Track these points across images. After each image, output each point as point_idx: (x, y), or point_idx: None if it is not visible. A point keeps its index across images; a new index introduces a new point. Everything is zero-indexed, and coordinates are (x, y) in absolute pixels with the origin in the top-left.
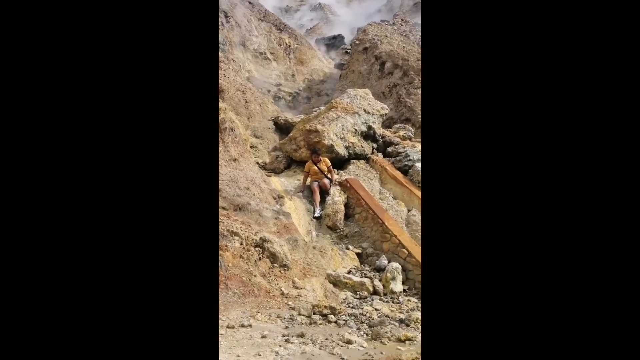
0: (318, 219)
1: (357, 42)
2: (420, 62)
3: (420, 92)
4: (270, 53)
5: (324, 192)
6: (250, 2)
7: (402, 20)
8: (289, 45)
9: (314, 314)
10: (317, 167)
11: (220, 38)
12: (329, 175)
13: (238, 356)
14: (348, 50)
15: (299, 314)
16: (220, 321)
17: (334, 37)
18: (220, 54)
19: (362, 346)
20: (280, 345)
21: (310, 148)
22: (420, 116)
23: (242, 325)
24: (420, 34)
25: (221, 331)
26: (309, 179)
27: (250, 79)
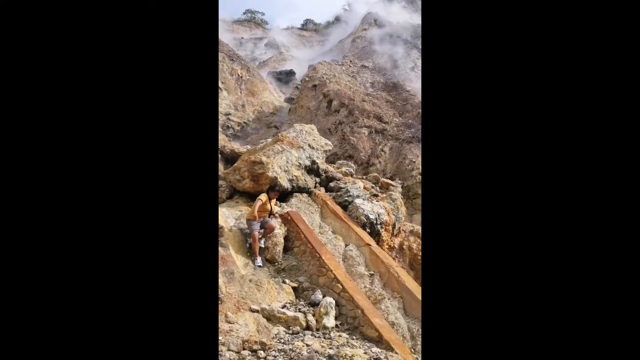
0: (260, 267)
1: (307, 78)
2: (364, 103)
3: (363, 131)
4: (222, 82)
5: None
6: None
7: (350, 61)
8: (241, 76)
9: (244, 349)
10: (271, 204)
11: None
12: (274, 215)
13: None
14: (298, 86)
15: (228, 349)
16: None
17: (286, 72)
18: None
19: None
20: None
21: (271, 183)
22: (362, 154)
23: None
24: (366, 76)
25: None
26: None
27: None
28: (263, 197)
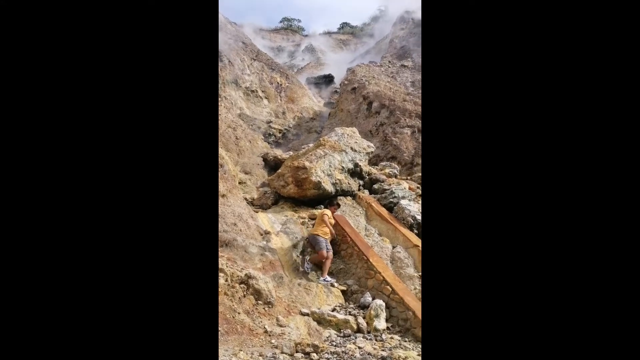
0: (332, 285)
1: (346, 82)
2: (405, 103)
3: (405, 131)
4: (262, 91)
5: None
6: (243, 42)
7: (389, 62)
8: (280, 84)
9: (297, 352)
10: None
11: None
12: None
13: None
14: (337, 90)
15: (282, 352)
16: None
17: (324, 77)
18: None
19: None
20: None
21: (332, 201)
22: (405, 154)
23: None
24: (406, 75)
25: None
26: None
27: (242, 116)
28: (329, 212)
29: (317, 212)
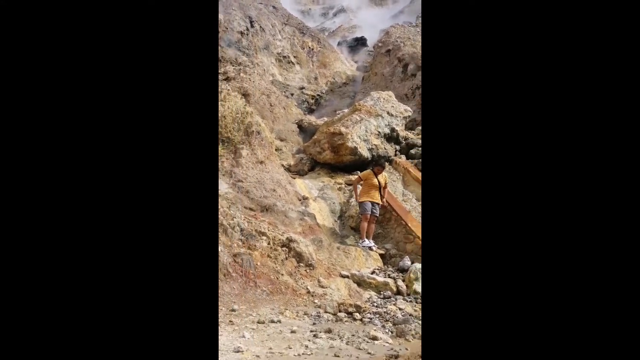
0: (370, 248)
1: (379, 44)
2: None
3: None
4: (294, 57)
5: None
6: (274, 7)
7: None
8: (312, 49)
9: (340, 311)
10: (378, 179)
11: (246, 43)
12: (384, 194)
13: (270, 349)
14: (371, 53)
15: (325, 312)
16: (251, 317)
17: (357, 40)
18: (245, 58)
19: (387, 342)
20: (309, 340)
21: (376, 161)
22: None
23: (272, 321)
24: None
25: (252, 326)
26: (360, 189)
27: (274, 82)
28: (363, 176)
29: (353, 177)
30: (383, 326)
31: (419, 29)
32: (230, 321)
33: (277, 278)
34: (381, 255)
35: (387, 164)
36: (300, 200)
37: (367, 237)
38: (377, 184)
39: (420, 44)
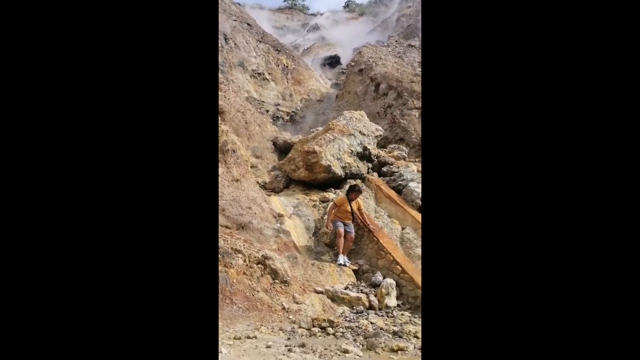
0: (342, 265)
1: (352, 63)
2: (413, 84)
3: (413, 113)
4: (269, 74)
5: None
6: (248, 24)
7: (396, 41)
8: (287, 66)
9: (314, 326)
10: (350, 206)
11: (220, 59)
12: (360, 219)
13: None
14: (344, 71)
15: (300, 327)
16: (227, 333)
17: (330, 58)
18: (220, 75)
19: (358, 355)
20: (283, 354)
21: (352, 187)
22: (414, 137)
23: (248, 337)
24: (414, 55)
25: (229, 342)
26: (333, 216)
27: (249, 99)
28: (338, 201)
29: (328, 195)
30: (354, 340)
31: (390, 49)
32: None
33: (253, 295)
34: (354, 271)
35: (360, 181)
36: (275, 217)
37: (342, 253)
38: (350, 210)
39: (391, 64)
